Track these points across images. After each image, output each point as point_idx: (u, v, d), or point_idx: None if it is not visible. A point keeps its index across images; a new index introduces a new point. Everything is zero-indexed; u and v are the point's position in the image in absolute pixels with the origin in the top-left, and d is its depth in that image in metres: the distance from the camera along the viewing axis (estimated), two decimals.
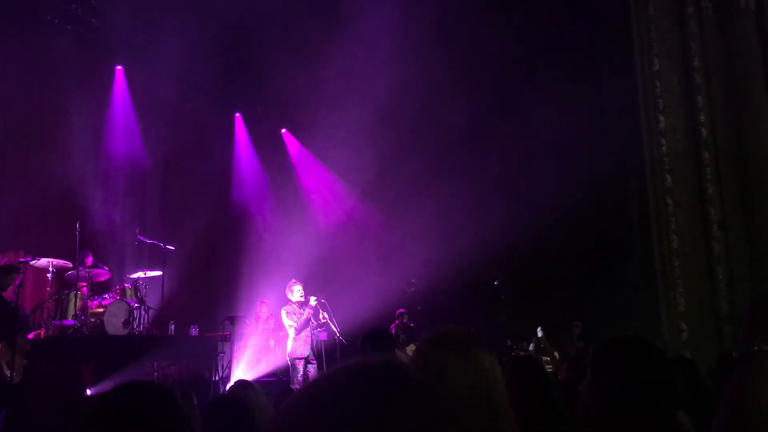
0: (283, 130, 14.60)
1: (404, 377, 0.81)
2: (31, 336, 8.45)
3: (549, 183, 11.71)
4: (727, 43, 9.97)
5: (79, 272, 9.20)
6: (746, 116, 9.75)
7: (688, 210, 10.13)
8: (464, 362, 1.74)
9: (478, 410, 1.64)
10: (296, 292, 9.14)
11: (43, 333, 8.69)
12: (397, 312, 11.42)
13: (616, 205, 12.06)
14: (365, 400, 0.75)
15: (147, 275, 9.96)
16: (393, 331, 11.13)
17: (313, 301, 9.14)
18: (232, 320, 10.57)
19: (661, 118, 10.34)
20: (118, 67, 12.27)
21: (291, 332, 9.05)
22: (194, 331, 10.16)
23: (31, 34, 11.01)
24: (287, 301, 9.25)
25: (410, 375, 0.82)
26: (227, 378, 9.50)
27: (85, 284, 9.38)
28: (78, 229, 9.12)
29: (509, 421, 1.74)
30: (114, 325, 8.95)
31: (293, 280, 9.34)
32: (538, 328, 10.72)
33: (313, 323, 9.20)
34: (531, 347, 10.73)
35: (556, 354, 10.87)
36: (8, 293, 9.46)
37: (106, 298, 9.50)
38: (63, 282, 9.52)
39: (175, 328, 9.99)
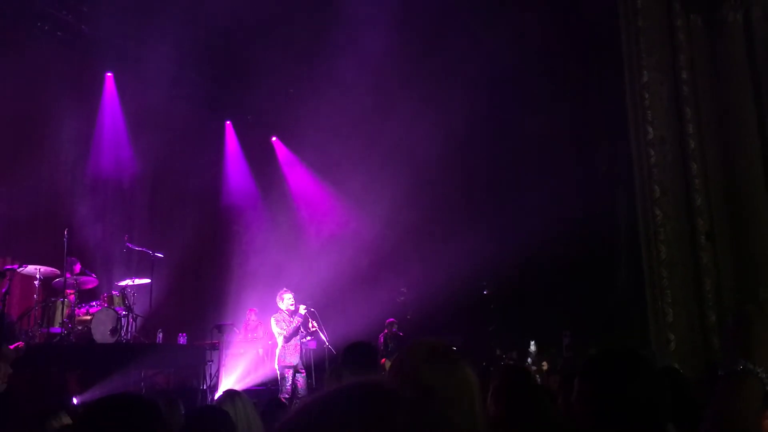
0: (274, 138, 14.60)
1: (397, 398, 0.83)
2: (12, 347, 8.37)
3: (538, 193, 11.76)
4: (715, 56, 10.05)
5: (67, 279, 9.14)
6: (734, 128, 9.82)
7: (676, 221, 10.18)
8: (448, 375, 1.72)
9: (460, 424, 1.63)
10: (287, 300, 9.12)
11: (23, 345, 8.58)
12: (387, 321, 11.41)
13: (604, 215, 12.12)
14: (359, 421, 0.78)
15: (135, 283, 9.91)
16: (381, 340, 11.12)
17: (302, 309, 9.11)
18: (221, 328, 10.52)
19: (650, 129, 10.40)
20: (108, 74, 12.24)
21: (280, 341, 9.02)
22: (182, 339, 10.11)
23: (20, 41, 10.96)
24: (277, 310, 9.22)
25: (402, 396, 0.84)
26: (215, 387, 9.45)
27: (72, 292, 9.31)
28: (66, 237, 9.07)
29: None
30: (101, 333, 8.89)
31: (284, 289, 9.32)
32: (532, 343, 10.77)
33: (302, 332, 9.17)
34: (529, 359, 10.77)
35: (544, 364, 10.90)
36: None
37: (94, 305, 9.44)
38: (50, 289, 9.45)
39: (163, 336, 9.93)
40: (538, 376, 9.11)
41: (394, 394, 0.84)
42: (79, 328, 9.02)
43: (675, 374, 2.77)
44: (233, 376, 9.60)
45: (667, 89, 10.38)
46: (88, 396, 7.87)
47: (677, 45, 10.23)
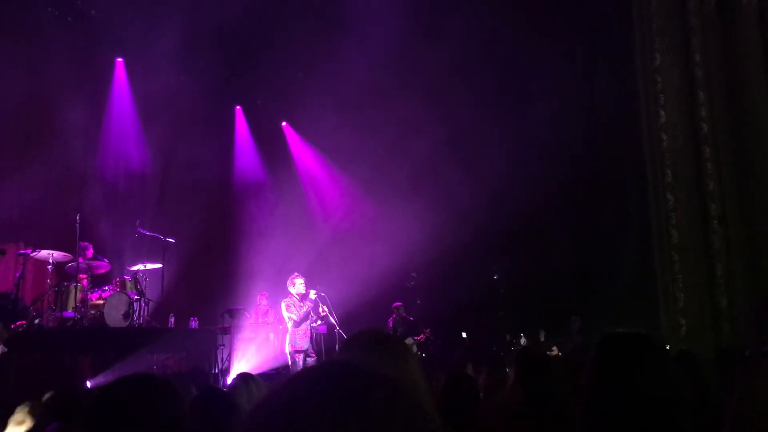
0: (284, 123, 14.58)
1: (374, 379, 0.80)
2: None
3: (548, 178, 11.72)
4: (728, 39, 9.96)
5: (79, 264, 9.19)
6: (747, 112, 9.75)
7: (688, 205, 10.14)
8: (388, 363, 1.70)
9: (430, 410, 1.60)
10: (298, 285, 9.15)
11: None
12: (394, 305, 11.44)
13: (615, 200, 12.07)
14: (336, 404, 0.74)
15: (147, 268, 9.95)
16: (391, 324, 11.15)
17: (312, 294, 9.14)
18: (232, 313, 10.57)
19: (662, 113, 10.35)
20: (119, 59, 12.25)
21: (290, 325, 9.06)
22: (194, 323, 10.16)
23: (29, 26, 10.98)
24: (287, 294, 9.26)
25: (380, 376, 0.80)
26: (227, 370, 9.51)
27: (85, 276, 9.37)
28: (78, 222, 9.11)
29: (435, 421, 1.70)
30: (114, 318, 8.95)
31: (295, 273, 9.34)
32: (541, 331, 10.76)
33: (312, 316, 9.21)
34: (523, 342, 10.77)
35: (554, 348, 10.91)
36: (8, 284, 9.48)
37: (106, 290, 9.50)
38: (63, 274, 9.51)
39: (175, 320, 9.99)
40: None
41: (371, 375, 0.80)
42: (92, 312, 9.09)
43: (688, 358, 2.76)
44: (244, 360, 9.65)
45: (680, 73, 10.30)
46: (101, 380, 7.94)
47: (690, 28, 10.14)
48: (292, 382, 0.80)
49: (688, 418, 1.51)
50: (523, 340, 10.85)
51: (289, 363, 9.11)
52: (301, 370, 0.83)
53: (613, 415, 1.53)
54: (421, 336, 11.19)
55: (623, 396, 1.53)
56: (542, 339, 11.43)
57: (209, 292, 12.22)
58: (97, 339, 8.94)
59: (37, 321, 8.80)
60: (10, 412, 6.61)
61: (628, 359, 1.57)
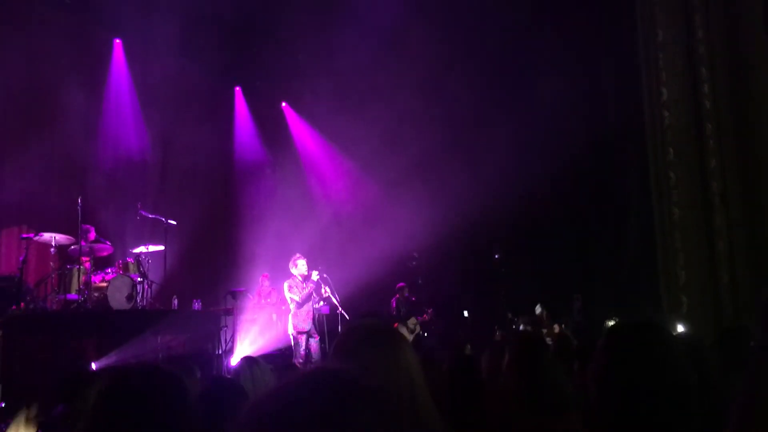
0: (284, 104, 14.53)
1: (361, 388, 0.79)
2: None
3: (550, 157, 11.69)
4: (731, 16, 9.88)
5: (82, 247, 9.22)
6: (750, 89, 9.70)
7: (689, 183, 10.12)
8: (389, 358, 1.70)
9: (402, 406, 1.60)
10: (300, 266, 9.18)
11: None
12: (397, 286, 11.48)
13: (616, 178, 12.05)
14: (322, 416, 0.73)
15: (149, 250, 9.98)
16: (394, 305, 11.21)
17: (315, 275, 9.18)
18: (235, 294, 10.62)
19: (664, 90, 10.29)
20: (117, 41, 12.18)
21: (292, 306, 9.11)
22: (197, 305, 10.21)
23: (26, 8, 10.90)
24: (289, 275, 9.29)
25: (366, 385, 0.80)
26: (230, 351, 9.58)
27: (87, 259, 9.40)
28: (80, 205, 9.12)
29: (431, 415, 1.71)
30: (117, 300, 9.00)
31: (298, 255, 9.37)
32: (537, 305, 10.79)
33: (315, 297, 9.25)
34: (522, 325, 10.80)
35: (556, 327, 10.96)
36: (12, 267, 9.53)
37: (109, 272, 9.54)
38: (66, 257, 9.54)
39: (178, 302, 10.04)
40: (549, 338, 9.16)
41: (357, 384, 0.80)
42: (96, 295, 9.13)
43: (690, 341, 2.78)
44: (248, 341, 9.72)
45: (682, 49, 10.23)
46: (105, 362, 8.00)
47: (693, 4, 10.06)
48: (277, 393, 0.80)
49: (696, 405, 1.52)
50: (538, 310, 10.87)
51: (292, 344, 9.17)
52: (287, 380, 0.82)
53: (624, 404, 1.53)
54: (424, 316, 11.24)
55: (633, 384, 1.53)
56: (544, 317, 11.49)
57: (212, 273, 12.26)
58: (101, 321, 9.00)
59: (30, 306, 8.79)
60: (18, 395, 6.69)
61: (638, 349, 1.57)
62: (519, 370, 2.75)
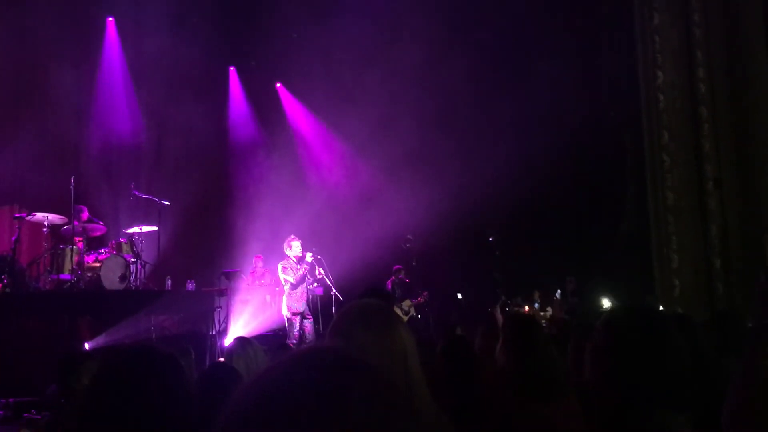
0: (278, 84, 14.43)
1: (360, 365, 0.78)
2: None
3: (544, 139, 11.67)
4: None
5: (75, 227, 9.18)
6: (745, 73, 9.68)
7: (683, 166, 10.14)
8: (384, 339, 1.69)
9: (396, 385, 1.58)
10: (295, 248, 9.17)
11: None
12: (394, 268, 11.48)
13: (611, 161, 12.05)
14: (318, 396, 0.71)
15: (143, 230, 9.95)
16: (389, 287, 11.21)
17: (309, 257, 9.17)
18: (228, 275, 10.60)
19: (660, 73, 10.28)
20: (110, 19, 12.05)
21: (287, 287, 9.11)
22: (191, 286, 10.19)
23: None
24: (284, 256, 9.28)
25: (367, 363, 0.78)
26: (224, 332, 9.58)
27: (80, 239, 9.36)
28: (73, 184, 9.07)
29: (424, 396, 1.70)
30: (111, 280, 8.97)
31: (292, 236, 9.35)
32: (535, 290, 10.85)
33: (309, 279, 9.25)
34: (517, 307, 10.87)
35: (549, 309, 11.01)
36: (5, 247, 9.49)
37: (102, 252, 9.50)
38: (59, 237, 9.50)
39: (171, 283, 10.02)
40: (543, 321, 9.21)
41: (350, 364, 0.77)
42: (89, 275, 9.11)
43: (684, 322, 2.78)
44: (241, 322, 9.72)
45: (678, 32, 10.20)
46: (98, 342, 8.00)
47: None
48: (270, 371, 0.77)
49: (691, 386, 1.53)
50: (536, 296, 10.95)
51: (286, 325, 9.18)
52: (282, 357, 0.80)
53: (622, 385, 1.54)
54: (419, 299, 11.26)
55: (632, 366, 1.53)
56: (538, 300, 11.54)
57: (205, 254, 12.24)
58: (95, 301, 8.99)
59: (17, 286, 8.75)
60: (10, 375, 6.68)
61: (638, 332, 1.57)
62: (512, 351, 2.75)
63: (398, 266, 11.48)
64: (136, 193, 10.22)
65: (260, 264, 11.10)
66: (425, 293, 11.33)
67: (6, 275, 8.61)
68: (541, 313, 10.74)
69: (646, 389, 1.49)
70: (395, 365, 1.64)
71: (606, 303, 10.53)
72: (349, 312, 1.79)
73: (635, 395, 1.50)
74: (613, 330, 1.60)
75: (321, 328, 9.34)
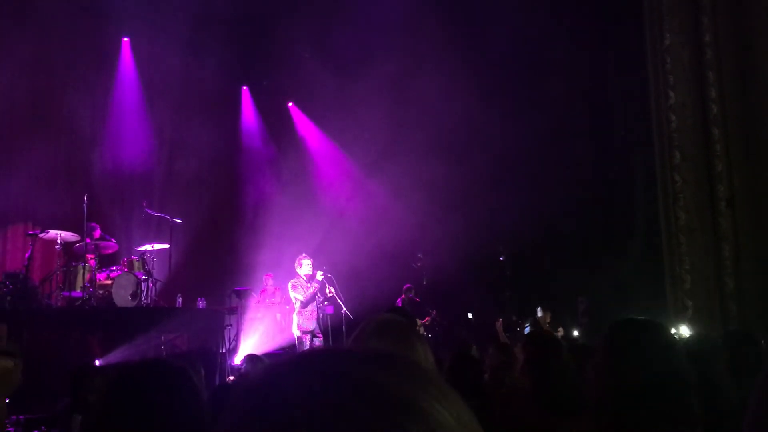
0: (290, 104, 14.53)
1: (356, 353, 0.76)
2: None
3: (555, 159, 11.67)
4: (738, 18, 9.85)
5: (87, 244, 9.24)
6: (757, 93, 9.66)
7: (696, 187, 10.09)
8: (398, 350, 1.70)
9: None
10: (305, 266, 9.17)
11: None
12: (404, 287, 11.46)
13: (622, 181, 12.02)
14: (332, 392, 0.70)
15: (154, 248, 10.00)
16: (399, 305, 11.19)
17: (319, 275, 9.17)
18: (239, 293, 10.62)
19: (671, 93, 10.27)
20: (125, 39, 12.21)
21: (297, 306, 9.10)
22: (201, 303, 10.21)
23: (35, 7, 10.93)
24: (294, 275, 9.29)
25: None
26: (234, 350, 9.58)
27: (93, 256, 9.42)
28: (86, 202, 9.15)
29: None
30: (122, 297, 9.01)
31: (303, 254, 9.36)
32: (538, 308, 10.77)
33: (319, 297, 9.25)
34: (527, 328, 10.77)
35: (560, 329, 10.93)
36: (18, 264, 9.56)
37: (114, 270, 9.55)
38: (71, 254, 9.57)
39: (182, 300, 10.05)
40: None
41: (352, 352, 0.75)
42: (100, 292, 9.15)
43: (697, 342, 2.76)
44: (251, 340, 9.72)
45: (689, 53, 10.20)
46: (109, 359, 8.01)
47: (700, 7, 10.03)
48: (270, 372, 0.75)
49: (695, 402, 1.51)
50: (540, 313, 10.84)
51: (296, 343, 9.17)
52: (301, 353, 0.79)
53: (622, 399, 1.53)
54: (426, 319, 11.22)
55: (631, 379, 1.53)
56: (548, 320, 11.46)
57: (216, 272, 12.27)
58: (106, 318, 9.02)
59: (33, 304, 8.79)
60: (23, 391, 6.69)
61: (636, 345, 1.57)
62: (533, 369, 2.74)
63: (408, 285, 11.46)
64: (149, 211, 10.29)
65: (270, 282, 11.12)
66: (434, 312, 11.29)
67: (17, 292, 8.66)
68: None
69: (645, 401, 1.48)
70: None
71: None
72: (368, 324, 1.81)
73: (634, 407, 1.49)
74: (611, 343, 1.60)
75: None
